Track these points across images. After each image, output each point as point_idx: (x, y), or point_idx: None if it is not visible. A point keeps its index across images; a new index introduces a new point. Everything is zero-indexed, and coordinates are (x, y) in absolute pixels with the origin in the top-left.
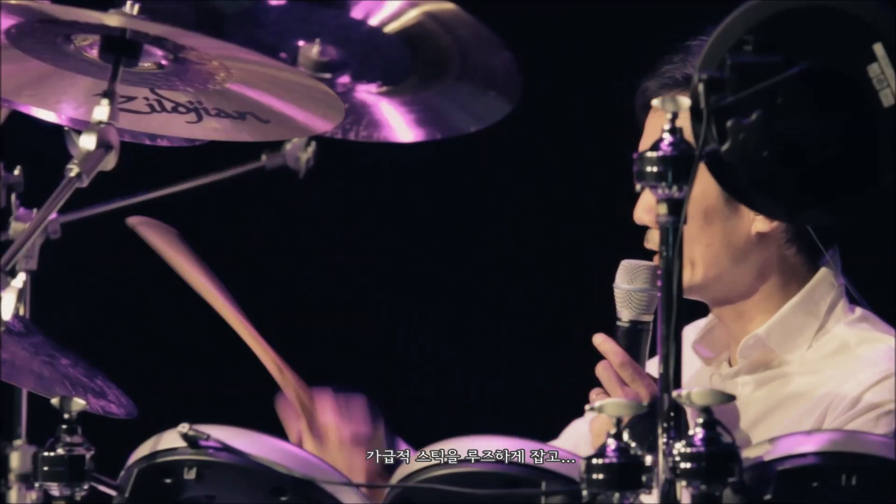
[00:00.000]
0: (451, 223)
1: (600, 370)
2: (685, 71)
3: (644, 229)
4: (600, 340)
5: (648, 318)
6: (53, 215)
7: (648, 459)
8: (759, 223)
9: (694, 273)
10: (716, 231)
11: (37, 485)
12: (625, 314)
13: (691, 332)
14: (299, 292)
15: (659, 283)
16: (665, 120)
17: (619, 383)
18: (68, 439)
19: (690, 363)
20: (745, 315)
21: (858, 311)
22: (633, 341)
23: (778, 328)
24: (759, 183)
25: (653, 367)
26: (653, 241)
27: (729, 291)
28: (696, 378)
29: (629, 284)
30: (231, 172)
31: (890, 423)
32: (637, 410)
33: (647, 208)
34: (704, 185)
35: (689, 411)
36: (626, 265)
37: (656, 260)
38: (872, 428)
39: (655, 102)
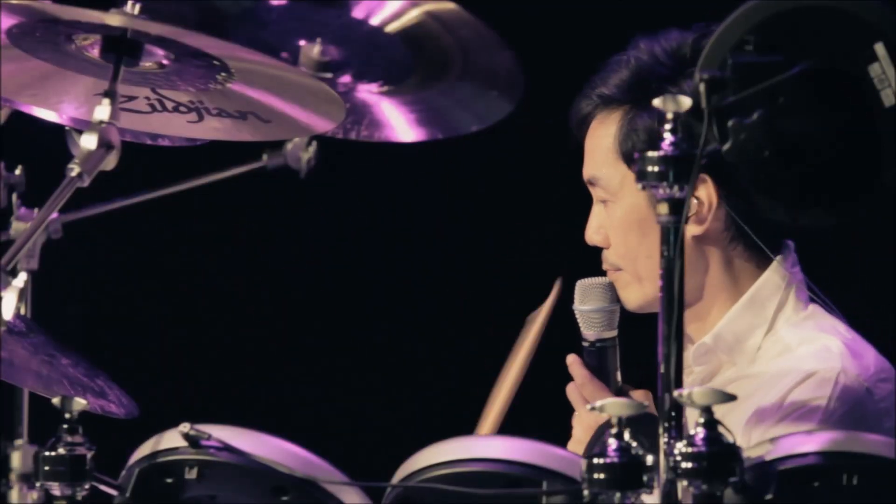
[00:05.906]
0: (452, 223)
1: (568, 390)
2: (611, 87)
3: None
4: (569, 362)
5: (610, 334)
6: (54, 215)
7: (650, 459)
8: (692, 227)
9: (644, 288)
10: (653, 242)
11: (38, 484)
12: (587, 334)
13: None
14: (299, 292)
15: (610, 300)
16: (607, 136)
17: (583, 402)
18: (69, 439)
19: None
20: (703, 319)
21: (811, 308)
22: (598, 360)
23: (726, 334)
24: (760, 183)
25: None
26: (607, 260)
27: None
28: None
29: (581, 305)
30: (232, 172)
31: (814, 419)
32: (637, 410)
33: (597, 228)
34: (634, 199)
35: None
36: (579, 285)
37: (610, 276)
38: (797, 426)
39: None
